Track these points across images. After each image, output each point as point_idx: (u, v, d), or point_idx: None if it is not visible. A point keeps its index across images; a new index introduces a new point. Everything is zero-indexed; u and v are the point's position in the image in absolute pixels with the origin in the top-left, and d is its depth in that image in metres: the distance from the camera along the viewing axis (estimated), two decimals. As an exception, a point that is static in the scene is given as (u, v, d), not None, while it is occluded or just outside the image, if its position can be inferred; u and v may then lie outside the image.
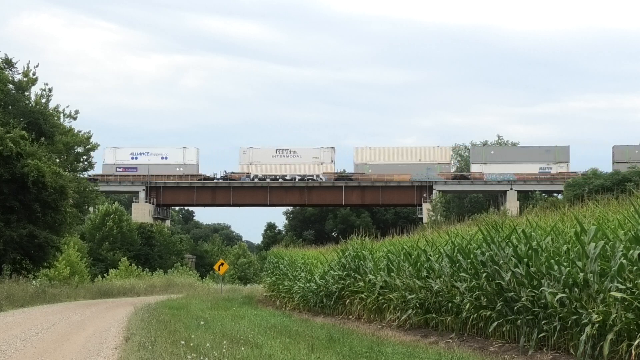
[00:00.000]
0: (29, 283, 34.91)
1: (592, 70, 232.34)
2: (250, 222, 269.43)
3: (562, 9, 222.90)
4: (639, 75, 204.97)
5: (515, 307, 14.09)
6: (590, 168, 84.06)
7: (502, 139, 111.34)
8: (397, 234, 25.36)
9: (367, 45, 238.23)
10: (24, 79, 42.91)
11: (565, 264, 12.87)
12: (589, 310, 11.74)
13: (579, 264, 12.45)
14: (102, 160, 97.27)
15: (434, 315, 17.77)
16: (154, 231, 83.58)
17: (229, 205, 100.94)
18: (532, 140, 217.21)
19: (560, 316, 12.60)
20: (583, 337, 11.56)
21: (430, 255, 18.91)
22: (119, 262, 65.85)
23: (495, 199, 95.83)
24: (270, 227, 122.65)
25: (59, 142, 42.90)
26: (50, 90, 44.02)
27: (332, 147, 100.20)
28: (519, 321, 14.02)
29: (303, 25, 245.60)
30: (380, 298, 20.83)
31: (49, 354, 13.99)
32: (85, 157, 48.61)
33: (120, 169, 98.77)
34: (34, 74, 43.17)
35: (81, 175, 48.50)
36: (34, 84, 43.40)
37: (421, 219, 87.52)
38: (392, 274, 20.56)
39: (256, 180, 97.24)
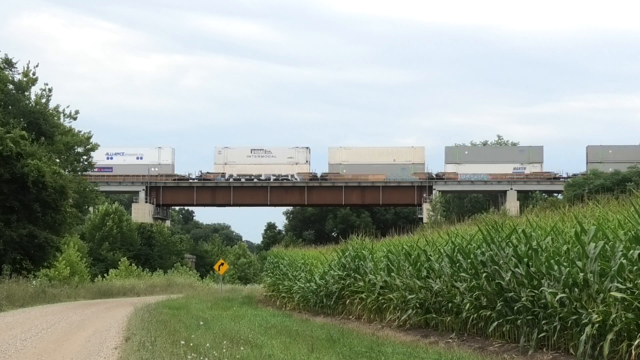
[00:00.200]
0: (29, 283, 34.90)
1: (592, 70, 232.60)
2: (250, 222, 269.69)
3: (562, 9, 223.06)
4: (639, 75, 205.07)
5: (515, 307, 14.09)
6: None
7: (502, 139, 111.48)
8: (397, 234, 25.36)
9: (367, 45, 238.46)
10: (24, 79, 42.92)
11: (565, 264, 12.86)
12: (589, 310, 11.74)
13: (579, 264, 12.45)
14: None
15: (434, 315, 17.77)
16: (154, 231, 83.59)
17: (229, 205, 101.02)
18: (532, 140, 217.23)
19: (560, 316, 12.60)
20: (583, 337, 11.55)
21: (430, 255, 18.90)
22: (119, 262, 65.85)
23: (495, 199, 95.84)
24: (270, 227, 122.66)
25: (59, 142, 42.91)
26: (50, 90, 44.08)
27: (307, 148, 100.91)
28: (519, 321, 14.01)
29: (303, 25, 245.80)
30: (380, 298, 20.82)
31: (49, 354, 13.99)
32: (85, 157, 48.61)
33: (96, 169, 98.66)
34: (34, 74, 43.19)
35: (80, 175, 48.42)
36: (34, 84, 43.42)
37: (421, 219, 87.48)
38: (392, 274, 20.56)
39: (231, 180, 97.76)
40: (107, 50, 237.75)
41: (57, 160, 42.89)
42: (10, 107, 41.33)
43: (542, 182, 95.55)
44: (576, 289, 12.31)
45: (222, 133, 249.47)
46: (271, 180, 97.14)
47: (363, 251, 23.92)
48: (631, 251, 11.46)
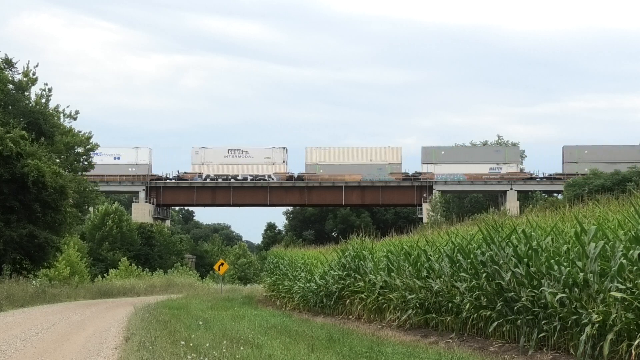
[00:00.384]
0: (29, 283, 34.89)
1: (592, 70, 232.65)
2: (250, 222, 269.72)
3: (562, 9, 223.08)
4: (639, 75, 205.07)
5: (515, 307, 14.09)
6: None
7: (502, 138, 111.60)
8: (397, 234, 25.35)
9: (367, 45, 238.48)
10: (24, 79, 42.91)
11: (565, 264, 12.86)
12: (589, 310, 11.73)
13: (579, 264, 12.45)
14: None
15: (434, 315, 17.77)
16: (154, 231, 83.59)
17: (229, 205, 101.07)
18: (532, 140, 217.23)
19: (560, 316, 12.60)
20: (583, 337, 11.55)
21: (430, 255, 18.90)
22: (119, 262, 65.83)
23: (495, 199, 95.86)
24: (270, 227, 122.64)
25: (59, 142, 42.91)
26: (50, 90, 44.07)
27: (284, 148, 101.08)
28: (519, 321, 14.01)
29: (303, 25, 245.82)
30: (380, 298, 20.82)
31: (49, 354, 13.99)
32: (85, 157, 48.59)
33: None
34: (34, 74, 43.18)
35: (80, 175, 48.40)
36: (34, 84, 43.41)
37: (421, 219, 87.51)
38: (392, 274, 20.56)
39: (208, 180, 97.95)
40: (107, 50, 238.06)
41: (57, 160, 42.87)
42: (10, 107, 41.33)
43: (542, 182, 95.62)
44: (576, 289, 12.31)
45: (222, 133, 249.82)
46: (248, 180, 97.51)
47: (363, 251, 23.92)
48: (631, 251, 11.45)
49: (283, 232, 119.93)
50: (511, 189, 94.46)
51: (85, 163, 48.82)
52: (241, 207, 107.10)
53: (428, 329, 17.95)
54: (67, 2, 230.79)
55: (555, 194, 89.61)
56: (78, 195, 44.79)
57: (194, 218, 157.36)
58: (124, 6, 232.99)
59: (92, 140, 48.34)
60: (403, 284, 19.58)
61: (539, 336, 13.23)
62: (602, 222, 13.19)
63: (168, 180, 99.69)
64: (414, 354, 13.47)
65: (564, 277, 12.63)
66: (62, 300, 36.03)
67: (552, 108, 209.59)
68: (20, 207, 37.53)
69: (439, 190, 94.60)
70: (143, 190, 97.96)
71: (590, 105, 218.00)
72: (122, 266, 64.27)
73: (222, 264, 44.41)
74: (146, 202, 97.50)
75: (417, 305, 18.48)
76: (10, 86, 42.14)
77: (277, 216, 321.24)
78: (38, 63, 46.07)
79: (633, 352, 10.54)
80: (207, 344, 12.80)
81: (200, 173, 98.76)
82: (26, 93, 43.03)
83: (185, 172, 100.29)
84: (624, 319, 10.93)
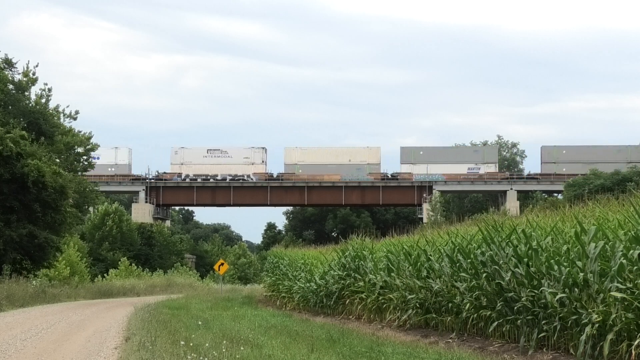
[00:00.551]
0: (29, 283, 34.89)
1: (592, 70, 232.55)
2: (250, 222, 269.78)
3: (562, 9, 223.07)
4: (639, 75, 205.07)
5: (515, 307, 14.09)
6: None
7: (502, 138, 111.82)
8: (397, 234, 25.36)
9: (367, 45, 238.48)
10: (24, 79, 42.89)
11: (565, 264, 12.86)
12: (589, 310, 11.73)
13: (579, 264, 12.45)
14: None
15: (434, 315, 17.77)
16: (154, 231, 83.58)
17: (229, 205, 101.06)
18: (532, 140, 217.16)
19: (560, 316, 12.60)
20: (583, 337, 11.55)
21: (430, 255, 18.90)
22: (119, 262, 65.82)
23: (495, 199, 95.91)
24: (270, 227, 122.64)
25: (59, 142, 42.89)
26: (50, 90, 44.03)
27: (263, 148, 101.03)
28: (519, 321, 14.01)
29: (303, 25, 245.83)
30: (380, 298, 20.82)
31: (49, 354, 13.99)
32: (85, 157, 48.60)
33: None
34: (34, 74, 43.16)
35: (80, 175, 48.40)
36: (34, 84, 43.39)
37: (421, 219, 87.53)
38: (392, 274, 20.56)
39: (187, 180, 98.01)
40: (107, 50, 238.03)
41: (57, 160, 42.86)
42: (10, 107, 41.31)
43: (542, 182, 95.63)
44: (576, 289, 12.31)
45: (222, 133, 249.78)
46: (227, 180, 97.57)
47: (363, 251, 23.92)
48: (631, 251, 11.46)
49: (283, 232, 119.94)
50: (511, 189, 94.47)
51: (85, 163, 48.85)
52: (241, 207, 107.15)
53: (428, 329, 17.95)
54: (67, 2, 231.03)
55: (555, 194, 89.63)
56: (78, 195, 44.78)
57: (194, 218, 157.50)
58: (124, 6, 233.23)
59: (92, 140, 48.39)
60: (403, 284, 19.58)
61: (539, 336, 13.23)
62: (602, 222, 13.19)
63: (148, 180, 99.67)
64: (414, 354, 13.47)
65: (564, 277, 12.63)
66: (62, 300, 36.04)
67: (552, 108, 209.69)
68: (20, 207, 37.53)
69: (439, 190, 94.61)
70: (143, 190, 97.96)
71: (590, 105, 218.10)
72: (122, 266, 64.26)
73: (222, 264, 44.42)
74: (146, 202, 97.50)
75: (417, 305, 18.48)
76: (10, 86, 42.13)
77: (277, 216, 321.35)
78: (38, 63, 46.08)
79: (633, 352, 10.54)
80: (207, 344, 12.80)
81: (179, 173, 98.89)
82: (26, 93, 43.02)
83: (164, 172, 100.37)
84: (624, 319, 10.93)
